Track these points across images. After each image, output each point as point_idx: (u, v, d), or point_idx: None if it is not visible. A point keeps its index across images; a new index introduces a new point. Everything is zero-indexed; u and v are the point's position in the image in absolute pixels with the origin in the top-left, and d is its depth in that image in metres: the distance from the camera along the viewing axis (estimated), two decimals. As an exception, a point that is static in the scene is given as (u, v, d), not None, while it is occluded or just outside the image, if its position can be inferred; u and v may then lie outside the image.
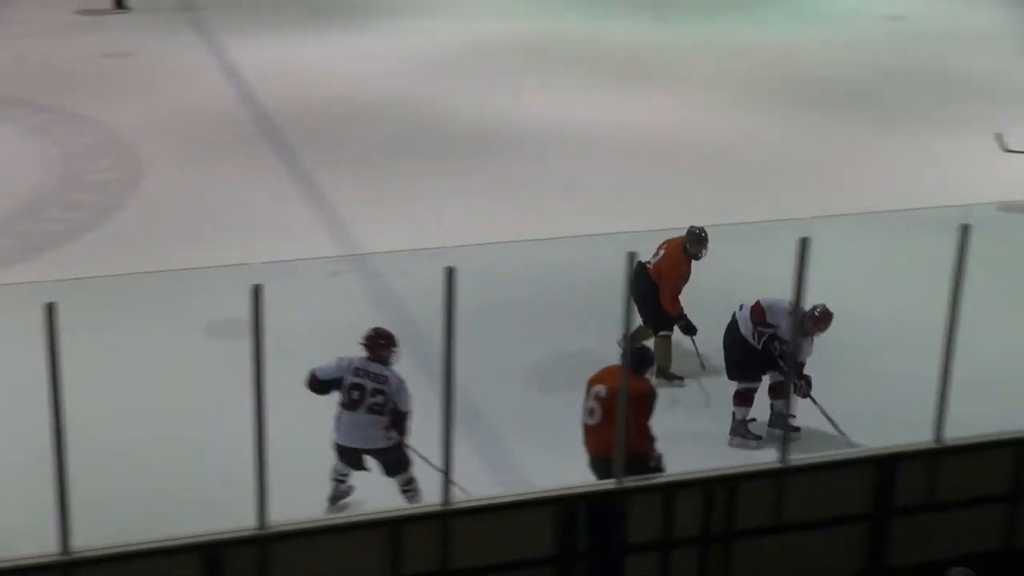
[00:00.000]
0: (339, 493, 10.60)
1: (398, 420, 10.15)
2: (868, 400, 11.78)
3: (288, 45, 23.23)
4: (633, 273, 8.90)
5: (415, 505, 9.87)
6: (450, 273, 8.73)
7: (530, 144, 18.56)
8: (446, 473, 8.58)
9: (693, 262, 12.08)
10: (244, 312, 8.61)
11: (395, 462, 10.27)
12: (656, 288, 12.01)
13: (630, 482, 9.24)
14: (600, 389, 9.78)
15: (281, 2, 26.22)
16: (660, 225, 11.45)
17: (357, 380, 10.05)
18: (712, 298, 13.30)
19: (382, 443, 10.17)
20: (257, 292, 8.39)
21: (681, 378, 12.04)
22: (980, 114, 20.01)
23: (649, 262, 11.99)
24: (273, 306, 8.88)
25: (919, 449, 9.79)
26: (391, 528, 8.92)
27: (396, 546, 8.91)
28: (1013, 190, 16.12)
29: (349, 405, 10.08)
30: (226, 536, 8.68)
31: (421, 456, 9.98)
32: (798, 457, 9.52)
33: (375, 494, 9.81)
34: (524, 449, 10.98)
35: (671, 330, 12.13)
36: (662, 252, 12.19)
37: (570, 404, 10.89)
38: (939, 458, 9.78)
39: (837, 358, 12.29)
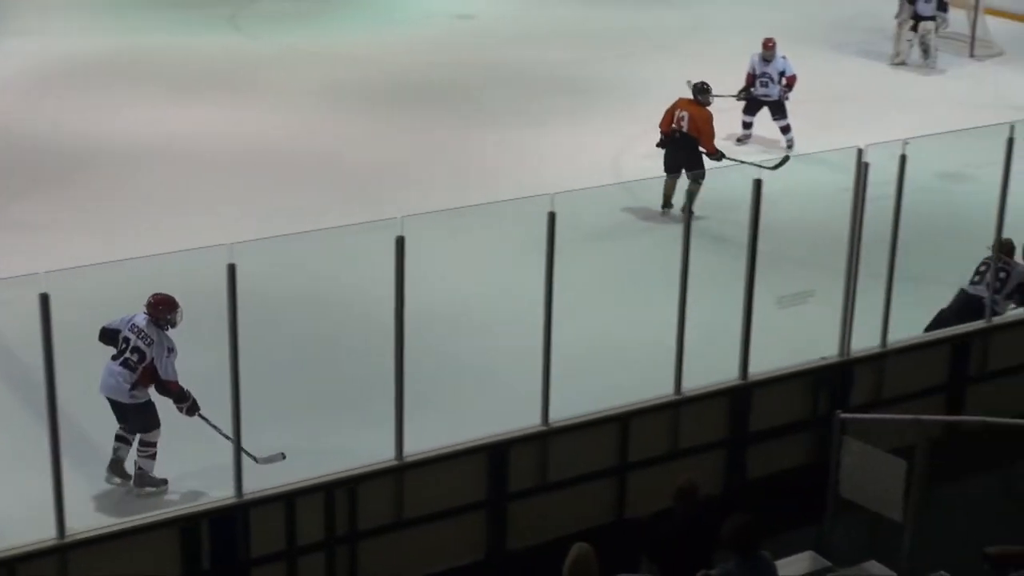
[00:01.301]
0: (114, 458, 10.63)
1: (157, 384, 10.38)
2: (478, 389, 12.03)
3: None
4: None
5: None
6: (45, 300, 8.50)
7: (128, 160, 18.10)
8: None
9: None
10: None
11: (137, 421, 10.48)
12: (697, 142, 15.95)
13: (250, 495, 9.24)
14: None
15: None
16: (262, 234, 11.38)
17: (128, 335, 10.40)
18: (321, 308, 13.41)
19: (124, 398, 10.39)
20: None
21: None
22: (559, 106, 20.77)
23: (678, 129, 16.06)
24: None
25: (528, 434, 10.13)
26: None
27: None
28: (599, 176, 16.82)
29: (114, 356, 10.41)
30: None
31: (212, 426, 10.13)
32: (412, 454, 9.69)
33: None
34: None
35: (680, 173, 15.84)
36: (685, 115, 16.10)
37: (186, 425, 10.74)
38: (548, 439, 10.14)
39: (442, 351, 12.52)
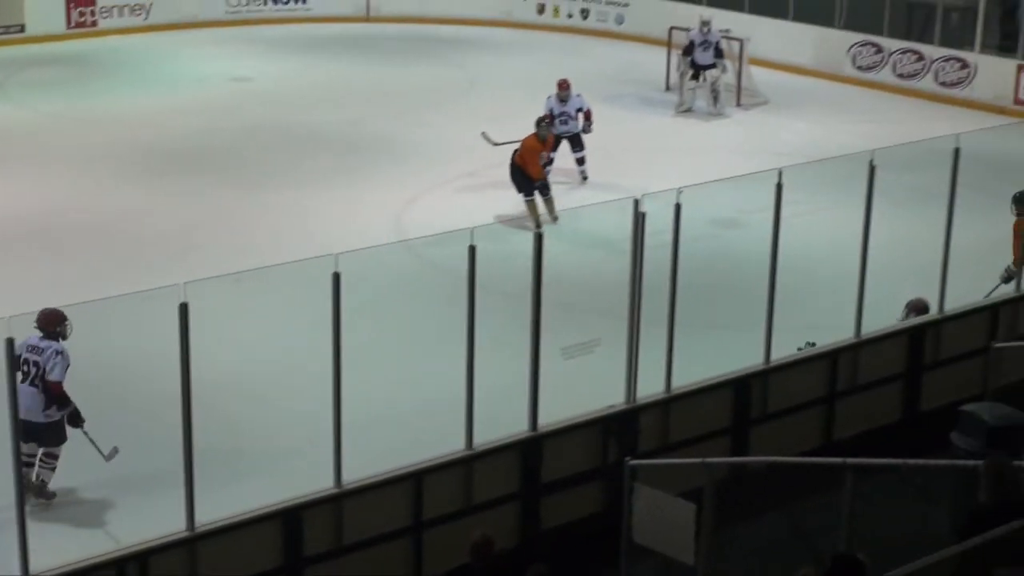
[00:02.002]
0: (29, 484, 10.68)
1: (49, 393, 10.81)
2: (269, 454, 11.91)
3: None
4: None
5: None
6: None
7: None
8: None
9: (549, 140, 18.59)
10: None
11: (51, 438, 10.98)
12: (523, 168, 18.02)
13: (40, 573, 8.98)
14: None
15: None
16: (37, 307, 11.12)
17: (26, 356, 10.81)
18: (106, 375, 13.11)
19: (40, 418, 10.81)
20: None
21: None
22: (341, 166, 20.76)
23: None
24: None
25: (321, 496, 10.05)
26: None
27: None
28: (381, 234, 16.83)
29: (22, 379, 10.62)
30: None
31: (92, 441, 10.85)
32: (205, 523, 9.53)
33: None
34: None
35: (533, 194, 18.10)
36: (520, 145, 18.16)
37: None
38: (342, 501, 10.08)
39: (231, 417, 12.36)
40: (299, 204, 18.98)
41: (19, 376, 10.37)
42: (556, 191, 18.46)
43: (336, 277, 9.86)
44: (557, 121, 19.55)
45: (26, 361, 10.78)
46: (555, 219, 17.68)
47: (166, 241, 17.51)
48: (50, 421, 10.92)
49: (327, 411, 10.02)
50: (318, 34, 30.64)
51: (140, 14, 30.46)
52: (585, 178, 20.04)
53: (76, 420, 11.02)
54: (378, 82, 26.44)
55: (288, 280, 13.39)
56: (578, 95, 20.07)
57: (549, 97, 20.00)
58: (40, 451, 11.03)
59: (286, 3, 31.92)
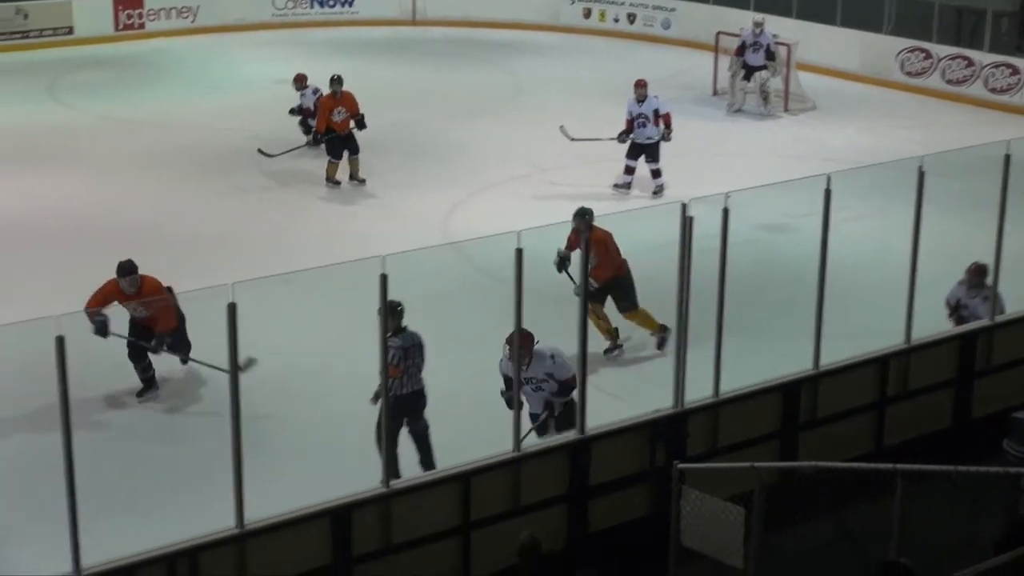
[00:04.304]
0: None
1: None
2: (318, 454, 11.95)
3: None
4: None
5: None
6: None
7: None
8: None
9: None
10: None
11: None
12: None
13: (90, 569, 9.02)
14: None
15: None
16: (76, 306, 11.20)
17: None
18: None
19: None
20: None
21: None
22: (386, 168, 20.80)
23: None
24: None
25: (370, 496, 10.08)
26: None
27: None
28: (427, 236, 16.86)
29: None
30: None
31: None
32: (254, 521, 9.56)
33: None
34: None
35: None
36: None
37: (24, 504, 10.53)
38: (391, 501, 10.10)
39: (280, 417, 12.42)
40: (346, 206, 19.05)
41: None
42: (610, 202, 18.24)
43: (383, 279, 9.89)
44: (635, 124, 19.28)
45: None
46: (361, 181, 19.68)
47: (214, 241, 17.61)
48: None
49: (373, 411, 10.05)
50: (364, 37, 30.76)
51: (187, 17, 30.68)
52: (658, 193, 19.28)
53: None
54: (424, 85, 26.50)
55: (336, 281, 13.42)
56: (655, 96, 19.46)
57: (628, 99, 19.47)
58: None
59: (332, 6, 32.08)
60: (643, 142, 19.26)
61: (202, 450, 11.56)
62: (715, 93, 25.74)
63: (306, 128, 21.55)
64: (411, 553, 10.17)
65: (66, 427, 8.84)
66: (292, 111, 21.98)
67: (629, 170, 19.38)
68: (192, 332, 13.21)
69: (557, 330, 11.35)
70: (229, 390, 9.40)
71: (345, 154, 19.91)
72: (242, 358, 9.83)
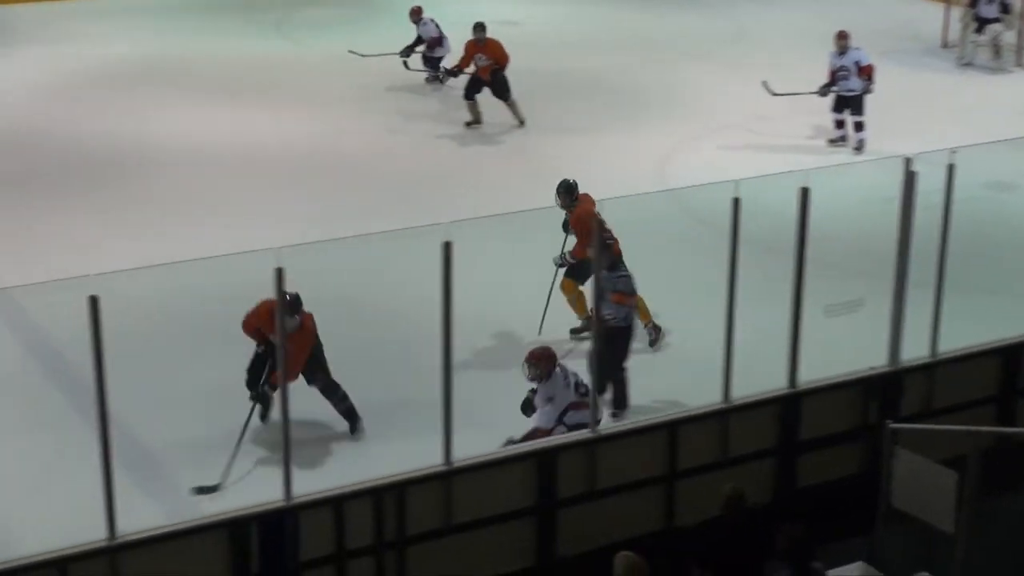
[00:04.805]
0: None
1: None
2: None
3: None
4: None
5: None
6: (94, 302, 8.53)
7: (174, 164, 18.26)
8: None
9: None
10: None
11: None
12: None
13: (299, 498, 9.25)
14: None
15: None
16: (306, 238, 11.42)
17: None
18: (368, 310, 13.44)
19: None
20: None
21: None
22: (603, 112, 20.77)
23: None
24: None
25: (577, 440, 10.13)
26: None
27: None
28: (643, 182, 16.79)
29: None
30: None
31: None
32: (461, 459, 9.68)
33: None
34: (190, 477, 10.76)
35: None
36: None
37: (227, 430, 10.83)
38: (597, 447, 10.13)
39: (490, 357, 12.53)
40: (562, 149, 19.06)
41: None
42: (826, 155, 17.95)
43: (599, 224, 9.88)
44: (837, 76, 18.98)
45: None
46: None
47: (431, 181, 17.81)
48: None
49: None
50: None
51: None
52: (859, 148, 18.88)
53: None
54: (647, 30, 26.32)
55: (548, 224, 13.47)
56: (857, 48, 18.98)
57: (830, 53, 19.07)
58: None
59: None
60: (845, 94, 18.92)
61: (408, 387, 11.73)
62: (944, 45, 24.98)
63: (427, 60, 22.11)
64: (615, 499, 10.20)
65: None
66: (404, 52, 22.16)
67: (838, 124, 19.07)
68: (406, 272, 13.22)
69: (768, 282, 11.21)
70: (442, 334, 9.47)
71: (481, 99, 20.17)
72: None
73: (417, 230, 10.35)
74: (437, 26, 22.26)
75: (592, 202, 12.83)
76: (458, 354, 9.69)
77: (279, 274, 8.91)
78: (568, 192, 13.25)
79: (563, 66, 23.29)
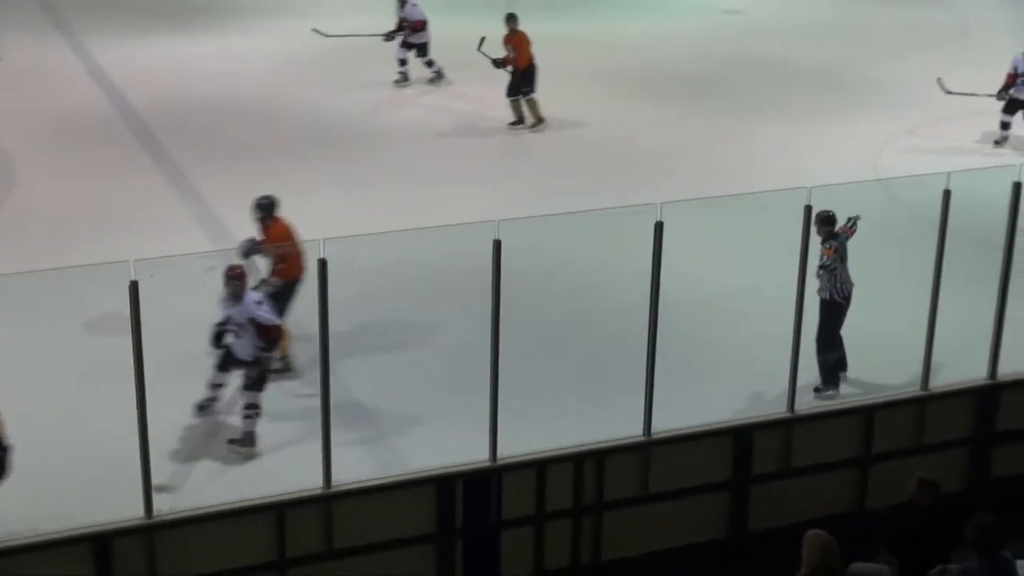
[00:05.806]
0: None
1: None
2: (728, 374, 12.19)
3: (154, 47, 23.10)
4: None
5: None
6: (323, 265, 9.06)
7: (401, 138, 18.83)
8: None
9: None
10: (123, 307, 8.88)
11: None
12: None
13: (504, 459, 9.67)
14: None
15: (144, 6, 25.99)
16: (528, 212, 11.77)
17: None
18: (576, 282, 13.80)
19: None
20: (134, 289, 8.67)
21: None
22: (822, 102, 20.74)
23: None
24: (152, 302, 9.15)
25: (774, 419, 10.36)
26: (276, 512, 9.25)
27: (280, 530, 9.23)
28: (857, 172, 16.81)
29: None
30: (115, 526, 8.96)
31: None
32: (660, 431, 10.00)
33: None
34: (405, 439, 11.06)
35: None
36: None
37: (448, 394, 11.26)
38: (793, 427, 10.34)
39: (693, 336, 12.74)
40: (779, 136, 19.12)
41: None
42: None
43: (808, 210, 10.09)
44: (1019, 81, 18.42)
45: None
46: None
47: (649, 161, 18.02)
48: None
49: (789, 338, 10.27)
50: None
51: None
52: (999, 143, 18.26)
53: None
54: (869, 20, 26.09)
55: (762, 208, 13.62)
56: None
57: (1015, 55, 18.36)
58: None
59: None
60: (1021, 98, 18.38)
61: (611, 360, 11.99)
62: None
63: (410, 47, 21.14)
64: (809, 478, 10.40)
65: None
66: (388, 34, 21.08)
67: (1004, 125, 18.57)
68: (619, 243, 13.40)
69: (972, 274, 11.22)
70: (649, 311, 9.75)
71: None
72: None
73: (630, 209, 10.63)
74: (422, 11, 21.32)
75: (287, 225, 12.10)
76: (665, 331, 10.00)
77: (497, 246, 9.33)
78: (263, 209, 12.21)
79: (784, 55, 23.28)
